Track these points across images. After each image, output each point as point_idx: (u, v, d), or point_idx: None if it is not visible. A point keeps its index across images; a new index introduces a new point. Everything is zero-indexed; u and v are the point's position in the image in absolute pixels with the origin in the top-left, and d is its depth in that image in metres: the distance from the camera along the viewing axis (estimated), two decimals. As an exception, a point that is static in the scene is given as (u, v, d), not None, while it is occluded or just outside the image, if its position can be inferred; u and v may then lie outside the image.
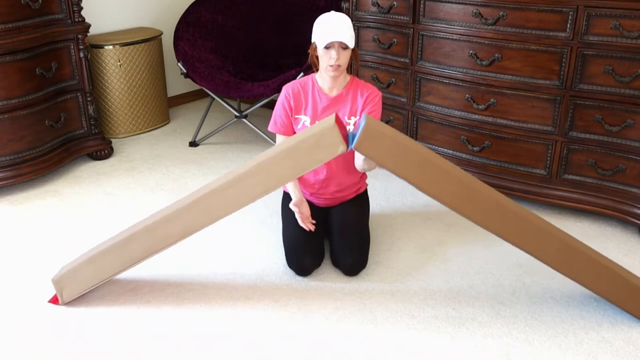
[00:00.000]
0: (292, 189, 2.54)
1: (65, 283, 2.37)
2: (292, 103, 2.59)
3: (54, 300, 2.41)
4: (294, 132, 2.60)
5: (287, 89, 2.61)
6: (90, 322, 2.31)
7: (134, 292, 2.48)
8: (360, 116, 2.57)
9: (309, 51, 2.57)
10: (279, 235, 2.81)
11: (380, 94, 2.60)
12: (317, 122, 2.20)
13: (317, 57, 2.53)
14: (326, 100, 2.58)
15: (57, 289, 2.38)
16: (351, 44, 2.45)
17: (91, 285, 2.37)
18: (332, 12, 2.53)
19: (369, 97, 2.57)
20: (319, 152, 2.09)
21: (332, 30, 2.42)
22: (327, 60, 2.46)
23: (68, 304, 2.40)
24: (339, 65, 2.47)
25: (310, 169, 2.13)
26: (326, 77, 2.56)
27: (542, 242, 2.20)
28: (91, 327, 2.28)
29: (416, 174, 2.11)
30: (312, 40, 2.53)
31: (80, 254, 2.45)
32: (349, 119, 2.58)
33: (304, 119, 2.58)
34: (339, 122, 2.11)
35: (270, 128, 2.65)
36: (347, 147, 2.10)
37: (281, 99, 2.61)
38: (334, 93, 2.59)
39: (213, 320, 2.32)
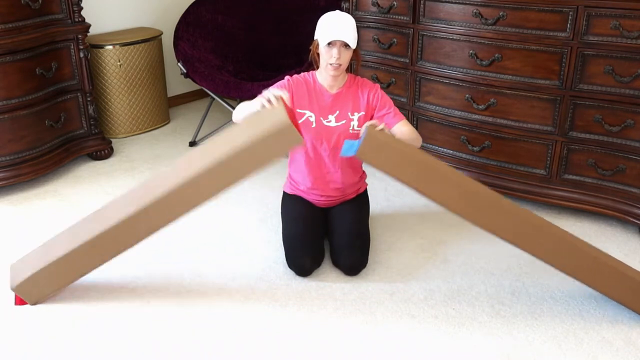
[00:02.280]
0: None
1: (29, 288, 2.36)
2: (293, 90, 2.59)
3: (19, 302, 2.40)
4: None
5: (290, 77, 2.63)
6: (90, 322, 2.31)
7: (134, 292, 2.48)
8: (366, 112, 2.59)
9: (311, 47, 2.58)
10: (279, 235, 2.81)
11: (377, 86, 2.63)
12: (269, 111, 2.20)
13: (318, 55, 2.55)
14: (329, 97, 2.59)
15: (21, 293, 2.37)
16: (353, 44, 2.47)
17: (61, 285, 2.38)
18: (338, 11, 2.54)
19: (370, 93, 2.60)
20: (277, 147, 2.15)
21: (336, 28, 2.44)
22: (328, 58, 2.48)
23: (66, 302, 2.40)
24: (339, 65, 2.48)
25: (269, 163, 2.18)
26: (326, 75, 2.57)
27: (543, 241, 2.21)
28: (91, 326, 2.29)
29: (417, 180, 2.18)
30: (315, 37, 2.54)
31: (33, 251, 2.44)
32: (352, 114, 2.59)
33: (309, 114, 2.59)
34: (290, 112, 2.17)
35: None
36: (347, 153, 2.22)
37: (283, 81, 2.62)
38: (335, 90, 2.60)
39: (213, 321, 2.32)
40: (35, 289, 2.37)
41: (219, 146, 2.19)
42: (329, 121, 2.59)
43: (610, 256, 2.29)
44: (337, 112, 2.59)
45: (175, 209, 2.24)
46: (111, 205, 2.34)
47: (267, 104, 2.24)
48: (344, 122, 2.59)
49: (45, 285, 2.36)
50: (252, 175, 2.20)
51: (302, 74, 2.66)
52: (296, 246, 2.57)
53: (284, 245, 2.64)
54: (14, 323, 2.31)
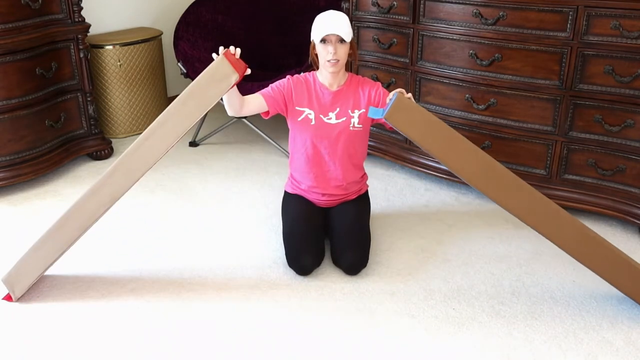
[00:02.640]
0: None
1: (14, 279, 2.40)
2: (293, 88, 2.61)
3: (7, 298, 2.43)
4: (277, 109, 2.61)
5: (291, 77, 2.65)
6: (90, 322, 2.31)
7: (134, 292, 2.49)
8: (366, 109, 2.59)
9: (310, 49, 2.59)
10: (279, 235, 2.81)
11: (379, 84, 2.64)
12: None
13: (316, 55, 2.56)
14: (329, 95, 2.60)
15: (8, 287, 2.41)
16: (348, 37, 2.48)
17: (37, 274, 2.40)
18: (330, 10, 2.56)
19: (372, 90, 2.61)
20: (215, 85, 2.24)
21: (328, 24, 2.47)
22: (325, 55, 2.49)
23: (65, 301, 2.41)
24: (337, 60, 2.49)
25: (212, 103, 2.24)
26: (326, 74, 2.58)
27: (559, 226, 2.25)
28: (91, 326, 2.29)
29: (441, 148, 2.26)
30: (311, 39, 2.56)
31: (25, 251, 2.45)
32: (352, 112, 2.60)
33: (308, 112, 2.60)
34: (228, 55, 2.24)
35: (258, 92, 2.63)
36: (374, 115, 2.30)
37: (283, 80, 2.64)
38: (335, 88, 2.61)
39: (213, 321, 2.32)
40: (17, 281, 2.40)
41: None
42: (329, 118, 2.59)
43: (622, 252, 2.31)
44: (338, 109, 2.60)
45: (133, 171, 2.30)
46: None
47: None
48: (344, 119, 2.59)
49: (23, 275, 2.39)
50: (199, 116, 2.26)
51: (303, 74, 2.67)
52: (296, 245, 2.57)
53: (284, 244, 2.64)
54: (13, 323, 2.31)
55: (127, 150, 2.27)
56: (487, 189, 2.26)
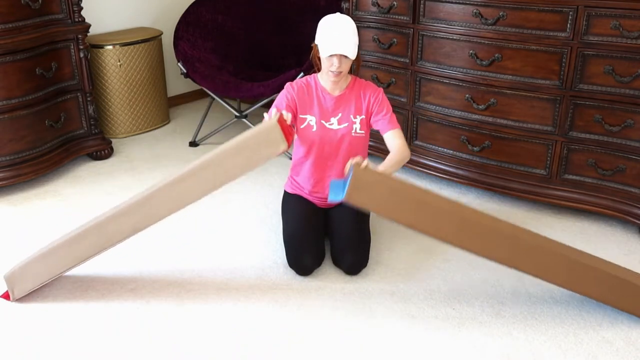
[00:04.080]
0: None
1: (17, 280, 2.38)
2: (295, 97, 2.59)
3: (5, 296, 2.43)
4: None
5: (291, 85, 2.63)
6: (90, 322, 2.31)
7: (134, 292, 2.49)
8: (366, 115, 2.59)
9: (312, 51, 2.58)
10: (279, 235, 2.81)
11: (380, 90, 2.63)
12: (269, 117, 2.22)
13: (319, 59, 2.55)
14: (331, 100, 2.59)
15: (8, 285, 2.40)
16: (353, 55, 2.47)
17: (42, 281, 2.39)
18: (338, 15, 2.52)
19: (372, 96, 2.59)
20: (263, 149, 2.14)
21: (336, 40, 2.43)
22: (329, 66, 2.49)
23: (65, 301, 2.41)
24: (340, 72, 2.49)
25: (255, 167, 2.18)
26: (327, 80, 2.58)
27: (547, 263, 2.19)
28: (91, 326, 2.29)
29: (411, 216, 2.13)
30: (315, 42, 2.53)
31: (33, 252, 2.44)
32: (355, 117, 2.59)
33: (310, 119, 2.59)
34: (284, 123, 2.16)
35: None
36: (335, 197, 2.16)
37: (284, 92, 2.61)
38: (337, 93, 2.60)
39: (213, 320, 2.32)
40: (19, 282, 2.39)
41: (213, 151, 2.21)
42: (331, 124, 2.59)
43: (612, 264, 2.29)
44: (340, 114, 2.59)
45: (161, 208, 2.24)
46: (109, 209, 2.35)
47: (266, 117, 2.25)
48: (346, 124, 2.59)
49: (26, 279, 2.38)
50: (240, 175, 2.21)
51: (304, 77, 2.66)
52: (297, 245, 2.57)
53: (284, 244, 2.63)
54: (13, 322, 2.31)
55: (161, 186, 2.22)
56: (467, 245, 2.17)
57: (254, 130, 2.15)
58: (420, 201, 2.12)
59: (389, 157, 2.48)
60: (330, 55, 2.46)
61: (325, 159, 2.63)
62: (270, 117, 2.21)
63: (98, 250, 2.33)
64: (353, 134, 2.59)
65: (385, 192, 2.10)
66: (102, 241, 2.30)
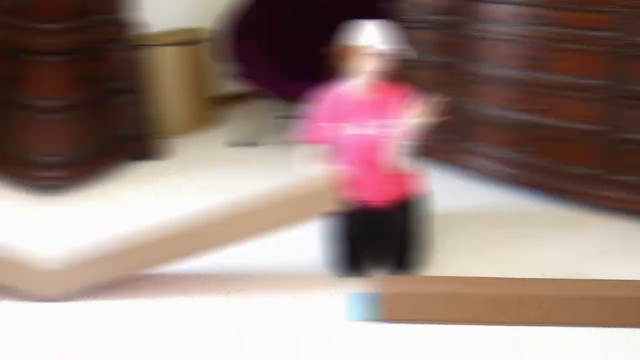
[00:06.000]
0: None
1: (74, 276, 2.42)
2: (328, 107, 2.58)
3: None
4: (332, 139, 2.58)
5: (321, 96, 2.61)
6: (90, 321, 2.32)
7: (134, 292, 2.47)
8: (396, 116, 2.52)
9: (344, 53, 2.54)
10: (281, 235, 2.64)
11: (407, 91, 2.56)
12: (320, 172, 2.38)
13: (352, 60, 2.52)
14: (363, 105, 2.55)
15: (63, 281, 2.41)
16: (391, 53, 2.47)
17: (105, 280, 2.42)
18: (373, 20, 2.53)
19: (396, 98, 2.54)
20: (313, 205, 2.33)
21: (373, 38, 2.47)
22: (363, 64, 2.48)
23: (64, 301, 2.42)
24: (376, 71, 2.49)
25: (303, 222, 2.35)
26: (359, 82, 2.54)
27: (586, 310, 2.21)
28: (91, 325, 2.29)
29: (449, 313, 2.21)
30: (350, 44, 2.52)
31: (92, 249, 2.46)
32: (388, 121, 2.52)
33: (344, 126, 2.55)
34: (337, 183, 2.30)
35: (304, 136, 2.62)
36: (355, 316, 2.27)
37: (318, 105, 2.60)
38: (369, 97, 2.56)
39: (213, 321, 2.32)
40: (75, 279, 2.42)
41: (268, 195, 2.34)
42: (365, 129, 2.54)
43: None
44: (373, 119, 2.54)
45: (209, 242, 2.38)
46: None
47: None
48: (380, 129, 2.53)
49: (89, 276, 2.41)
50: (287, 228, 2.36)
51: (332, 87, 2.63)
52: (349, 247, 2.56)
53: (335, 246, 2.59)
54: (13, 322, 2.32)
55: (212, 219, 2.34)
56: (505, 321, 2.21)
57: (309, 185, 2.30)
58: (453, 295, 2.22)
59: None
60: (368, 53, 2.46)
61: (360, 165, 2.57)
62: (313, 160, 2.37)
63: (134, 269, 2.43)
64: (388, 136, 2.52)
65: (418, 298, 2.22)
66: (138, 263, 2.42)
